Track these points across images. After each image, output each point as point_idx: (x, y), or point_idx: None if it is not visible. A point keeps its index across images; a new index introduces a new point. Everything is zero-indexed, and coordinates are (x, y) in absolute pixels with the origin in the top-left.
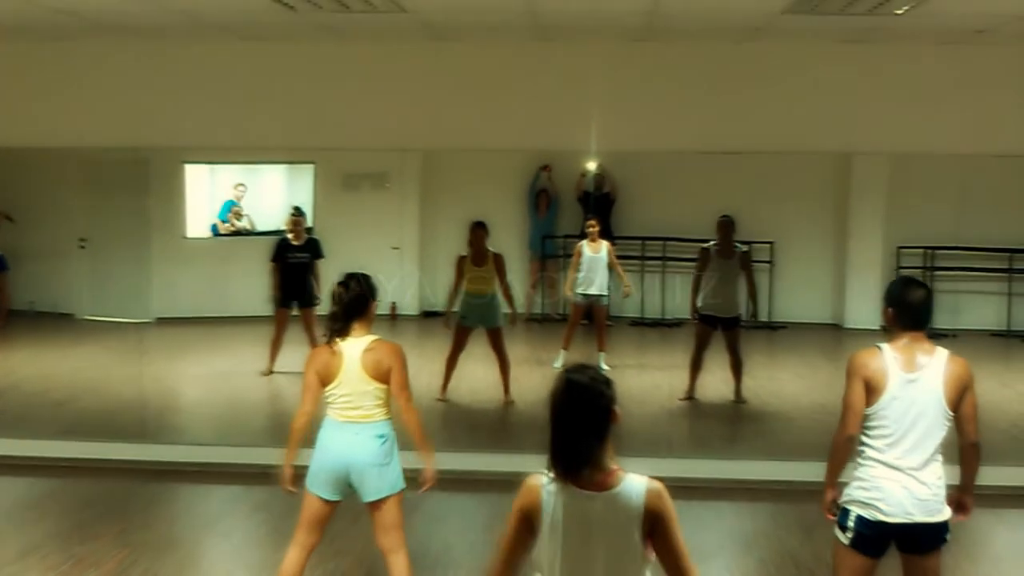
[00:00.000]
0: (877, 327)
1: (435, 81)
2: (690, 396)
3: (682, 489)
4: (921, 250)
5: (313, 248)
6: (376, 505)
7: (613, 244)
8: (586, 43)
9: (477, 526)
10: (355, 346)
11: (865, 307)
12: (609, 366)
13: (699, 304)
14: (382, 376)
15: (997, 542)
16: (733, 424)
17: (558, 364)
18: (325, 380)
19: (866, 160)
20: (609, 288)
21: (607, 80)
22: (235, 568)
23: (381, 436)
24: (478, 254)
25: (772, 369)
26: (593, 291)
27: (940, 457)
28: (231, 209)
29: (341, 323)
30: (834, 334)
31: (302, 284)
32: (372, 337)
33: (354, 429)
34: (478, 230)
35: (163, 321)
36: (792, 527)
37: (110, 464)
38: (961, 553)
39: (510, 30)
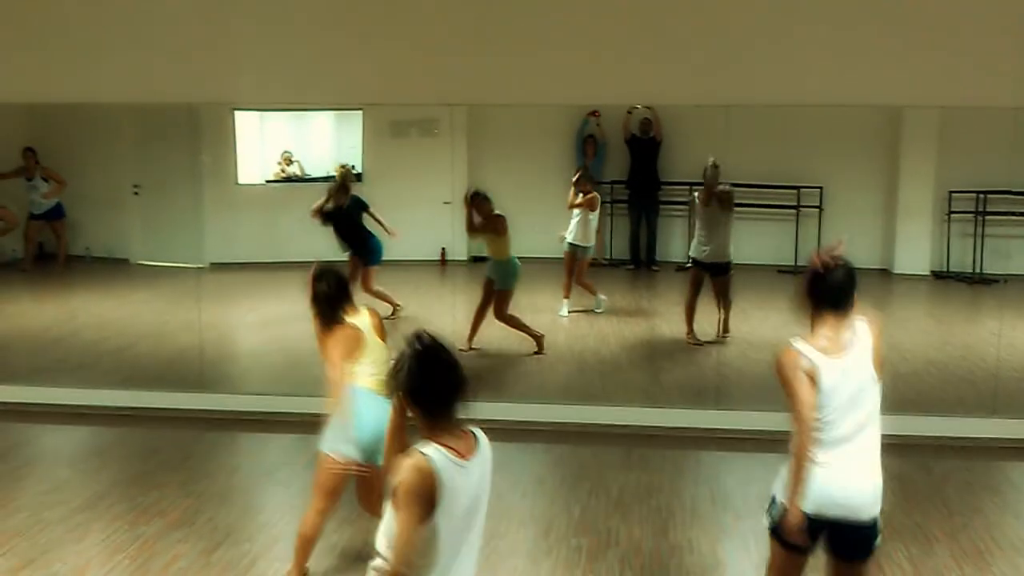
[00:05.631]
0: (927, 272)
1: (478, 34)
2: (696, 340)
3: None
4: (973, 195)
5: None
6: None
7: (658, 189)
8: None
9: (529, 475)
10: (362, 319)
11: (915, 252)
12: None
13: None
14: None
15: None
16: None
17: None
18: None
19: (917, 107)
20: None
21: (648, 31)
22: (294, 517)
23: None
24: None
25: None
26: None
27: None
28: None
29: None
30: (883, 279)
31: (353, 237)
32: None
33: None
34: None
35: (217, 267)
36: None
37: (170, 413)
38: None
39: None
